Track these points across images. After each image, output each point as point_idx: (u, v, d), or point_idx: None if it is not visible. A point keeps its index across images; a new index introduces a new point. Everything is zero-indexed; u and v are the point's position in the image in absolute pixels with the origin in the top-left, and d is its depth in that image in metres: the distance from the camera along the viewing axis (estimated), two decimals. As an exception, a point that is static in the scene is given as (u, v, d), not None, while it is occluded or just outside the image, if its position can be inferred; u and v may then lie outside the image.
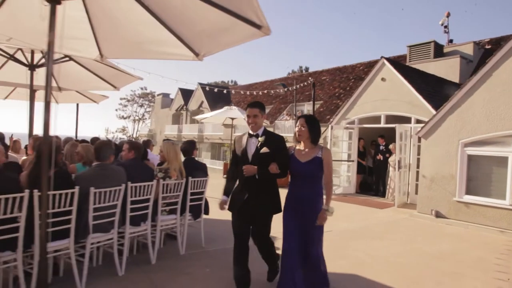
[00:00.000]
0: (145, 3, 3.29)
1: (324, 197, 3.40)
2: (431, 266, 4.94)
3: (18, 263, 3.06)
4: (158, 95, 40.86)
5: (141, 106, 53.81)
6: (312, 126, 3.36)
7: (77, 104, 15.52)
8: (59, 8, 2.89)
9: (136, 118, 54.22)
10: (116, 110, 57.37)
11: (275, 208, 3.49)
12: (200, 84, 28.79)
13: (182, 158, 4.85)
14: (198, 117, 14.65)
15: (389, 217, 8.28)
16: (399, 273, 4.61)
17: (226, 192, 3.64)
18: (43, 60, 5.62)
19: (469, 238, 6.56)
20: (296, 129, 3.39)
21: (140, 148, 4.56)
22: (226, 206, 3.59)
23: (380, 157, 11.24)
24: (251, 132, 3.53)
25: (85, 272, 3.57)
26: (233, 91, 29.97)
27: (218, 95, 27.72)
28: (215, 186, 6.00)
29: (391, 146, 10.56)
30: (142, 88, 53.25)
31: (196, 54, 3.77)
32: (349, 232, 6.71)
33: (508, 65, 6.90)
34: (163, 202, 4.44)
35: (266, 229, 3.54)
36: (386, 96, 10.87)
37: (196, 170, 4.92)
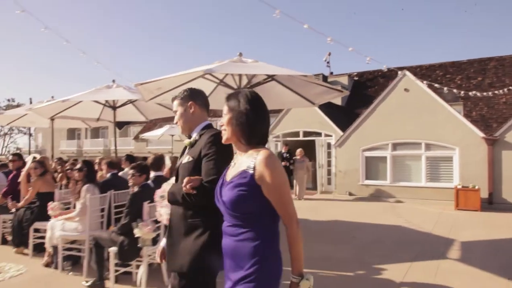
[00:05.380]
0: (288, 86, 6.47)
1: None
2: (371, 214, 9.26)
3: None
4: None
5: (4, 119, 47.97)
6: (239, 113, 1.72)
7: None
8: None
9: (1, 133, 48.48)
10: (-28, 125, 49.86)
11: (213, 262, 1.92)
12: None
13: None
14: (145, 135, 16.57)
15: (322, 198, 12.61)
16: (366, 216, 8.72)
17: None
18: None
19: (373, 204, 11.30)
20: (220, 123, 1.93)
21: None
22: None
23: (285, 163, 12.43)
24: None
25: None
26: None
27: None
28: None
29: (297, 152, 13.80)
30: (9, 100, 47.91)
31: (313, 103, 6.92)
32: (311, 209, 10.67)
33: (386, 103, 12.05)
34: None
35: None
36: (303, 117, 15.34)
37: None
